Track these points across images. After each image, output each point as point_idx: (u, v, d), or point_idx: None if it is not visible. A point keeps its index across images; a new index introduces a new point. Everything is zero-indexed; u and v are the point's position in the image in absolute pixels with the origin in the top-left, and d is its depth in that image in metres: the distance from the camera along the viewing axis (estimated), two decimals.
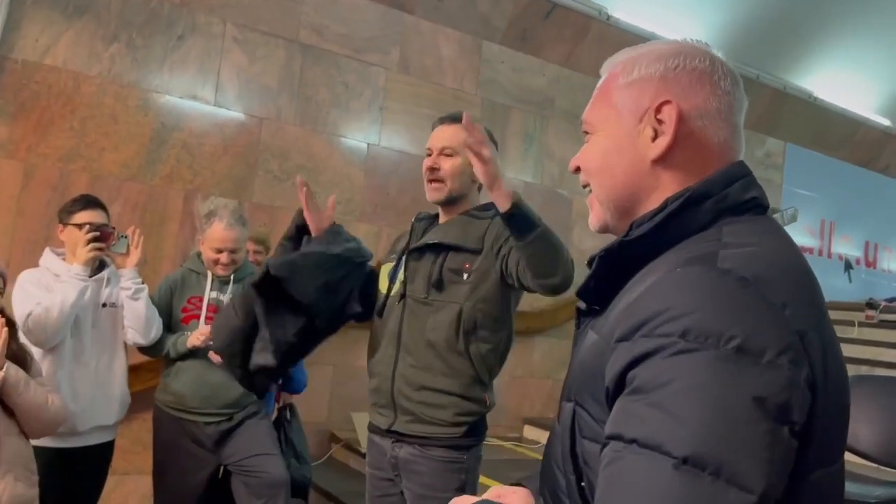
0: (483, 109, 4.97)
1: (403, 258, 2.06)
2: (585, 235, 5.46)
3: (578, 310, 0.95)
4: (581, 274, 1.01)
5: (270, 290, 1.94)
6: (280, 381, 3.64)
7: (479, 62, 5.04)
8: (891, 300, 6.44)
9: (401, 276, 2.04)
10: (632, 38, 5.51)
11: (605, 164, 0.92)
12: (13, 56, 3.59)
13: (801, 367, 0.69)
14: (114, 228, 2.65)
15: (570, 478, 0.84)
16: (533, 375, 5.15)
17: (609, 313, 0.84)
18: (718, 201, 0.83)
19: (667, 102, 0.86)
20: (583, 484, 0.82)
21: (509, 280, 1.92)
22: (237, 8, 4.17)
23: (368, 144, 4.61)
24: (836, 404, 0.76)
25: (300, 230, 2.07)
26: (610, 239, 0.91)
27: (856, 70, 6.80)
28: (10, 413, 2.08)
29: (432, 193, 2.04)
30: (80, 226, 2.56)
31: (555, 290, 1.81)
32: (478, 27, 5.01)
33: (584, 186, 0.96)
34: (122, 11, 3.85)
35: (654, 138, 0.87)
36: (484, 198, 2.13)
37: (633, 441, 0.67)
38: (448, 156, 2.03)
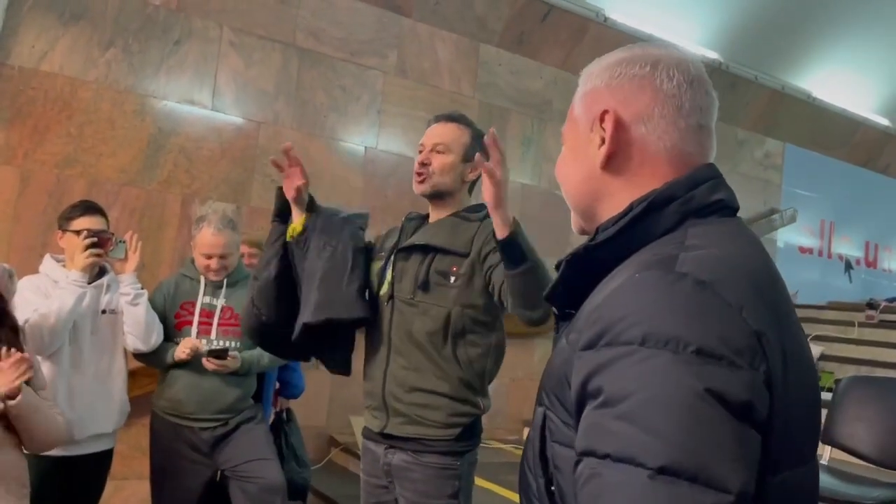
0: (481, 112, 4.97)
1: (391, 257, 2.05)
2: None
3: (555, 314, 0.96)
4: None
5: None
6: (277, 386, 3.65)
7: (476, 65, 5.04)
8: (891, 300, 6.42)
9: (388, 275, 2.03)
10: (629, 39, 5.50)
11: (567, 172, 0.97)
12: (9, 62, 3.60)
13: (759, 367, 0.70)
14: (112, 234, 2.65)
15: (539, 481, 0.85)
16: (533, 378, 5.14)
17: (577, 318, 0.85)
18: (683, 203, 0.84)
19: (606, 112, 0.89)
20: (553, 488, 0.83)
21: (491, 291, 1.90)
22: (233, 12, 4.18)
23: (366, 148, 4.61)
24: (799, 405, 0.77)
25: (282, 212, 2.06)
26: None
27: (854, 69, 6.80)
28: (8, 427, 2.07)
29: (417, 186, 2.03)
30: (78, 232, 2.55)
31: (532, 323, 1.80)
32: (475, 30, 5.01)
33: None
34: (119, 17, 3.85)
35: (601, 146, 0.90)
36: (475, 199, 2.12)
37: (606, 456, 0.68)
38: (440, 152, 2.01)
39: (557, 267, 0.91)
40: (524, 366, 5.09)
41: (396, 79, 4.73)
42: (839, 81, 6.81)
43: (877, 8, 6.21)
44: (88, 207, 2.64)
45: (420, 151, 2.04)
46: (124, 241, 2.69)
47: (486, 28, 5.05)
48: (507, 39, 5.14)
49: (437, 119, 2.09)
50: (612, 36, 5.43)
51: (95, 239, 2.53)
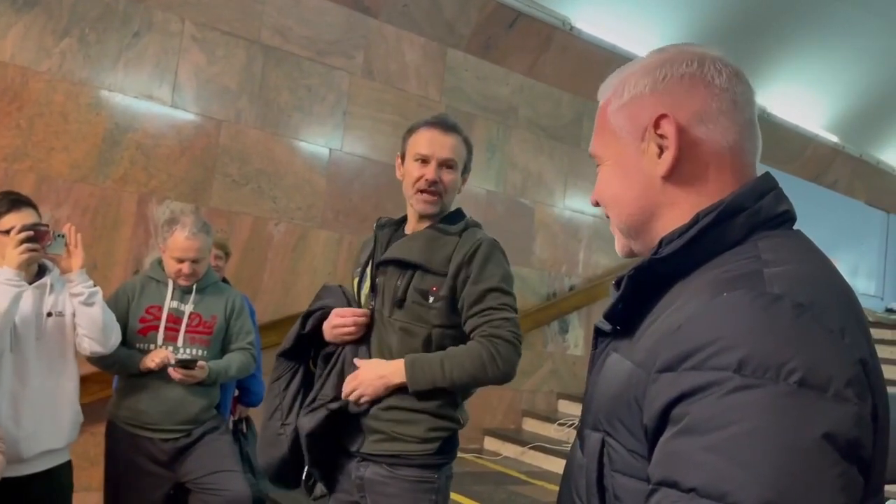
0: None
1: (367, 271, 1.96)
2: (546, 245, 5.46)
3: (597, 329, 0.90)
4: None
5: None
6: (237, 393, 3.53)
7: (443, 69, 4.99)
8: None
9: (365, 288, 1.94)
10: (594, 48, 5.54)
11: (617, 192, 0.89)
12: None
13: (866, 399, 0.65)
14: (47, 226, 2.35)
15: None
16: (493, 387, 5.09)
17: (639, 337, 0.79)
18: (752, 215, 0.79)
19: (663, 116, 0.83)
20: None
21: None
22: (196, 6, 4.03)
23: (331, 150, 4.51)
24: (885, 433, 0.73)
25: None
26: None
27: (806, 86, 6.98)
28: None
29: (426, 206, 1.90)
30: (7, 231, 2.26)
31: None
32: (443, 34, 4.96)
33: (608, 217, 0.93)
34: (75, 5, 3.68)
35: (660, 155, 0.84)
36: (454, 204, 2.03)
37: (691, 490, 0.62)
38: (450, 168, 1.91)
39: (617, 284, 0.84)
40: None
41: (363, 80, 4.64)
42: (791, 98, 6.98)
43: (827, 26, 6.39)
44: (15, 201, 2.34)
45: (423, 161, 1.89)
46: (63, 236, 2.37)
47: (454, 32, 5.00)
48: (474, 45, 5.10)
49: (443, 128, 1.93)
50: (577, 45, 5.45)
51: (31, 232, 2.25)
